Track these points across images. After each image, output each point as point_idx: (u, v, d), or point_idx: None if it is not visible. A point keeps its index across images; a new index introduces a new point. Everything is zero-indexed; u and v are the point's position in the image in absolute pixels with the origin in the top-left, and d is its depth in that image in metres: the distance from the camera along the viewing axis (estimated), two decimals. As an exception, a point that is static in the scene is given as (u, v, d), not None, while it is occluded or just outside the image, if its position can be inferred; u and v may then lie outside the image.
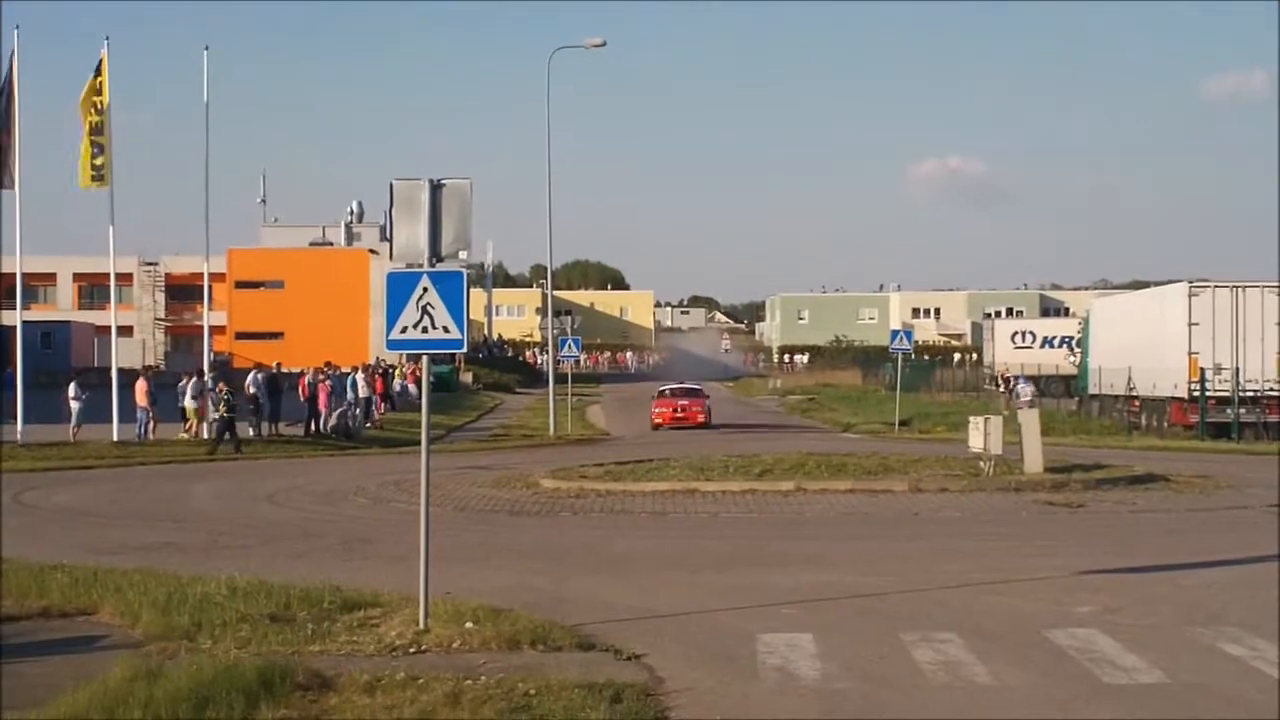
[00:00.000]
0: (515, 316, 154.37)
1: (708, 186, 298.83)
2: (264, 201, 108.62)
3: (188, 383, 46.72)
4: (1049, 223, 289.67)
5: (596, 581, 18.48)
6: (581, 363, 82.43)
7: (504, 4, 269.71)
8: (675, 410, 58.41)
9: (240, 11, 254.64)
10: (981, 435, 31.32)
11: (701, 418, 57.57)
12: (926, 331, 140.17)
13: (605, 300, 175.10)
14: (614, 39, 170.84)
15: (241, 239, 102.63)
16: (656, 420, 58.29)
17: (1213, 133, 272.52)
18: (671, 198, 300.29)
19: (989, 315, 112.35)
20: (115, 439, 42.32)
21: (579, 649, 13.70)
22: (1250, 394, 46.35)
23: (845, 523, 25.58)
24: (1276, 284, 47.03)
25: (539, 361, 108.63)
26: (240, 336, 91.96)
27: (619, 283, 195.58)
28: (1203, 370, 45.94)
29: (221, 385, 42.68)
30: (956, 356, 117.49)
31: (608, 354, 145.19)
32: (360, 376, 54.37)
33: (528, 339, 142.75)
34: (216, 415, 42.39)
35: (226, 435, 42.12)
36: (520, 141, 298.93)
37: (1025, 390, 59.52)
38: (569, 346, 57.23)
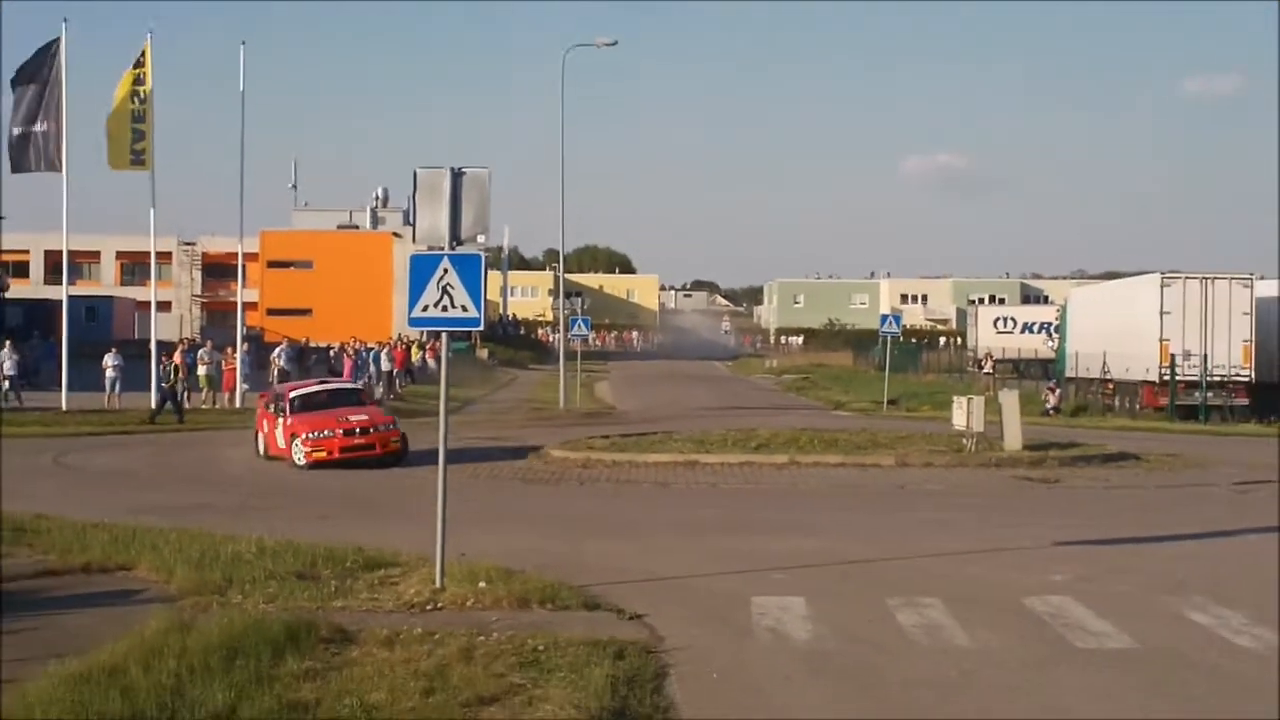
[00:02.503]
0: (529, 297, 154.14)
1: (711, 177, 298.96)
2: (295, 187, 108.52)
3: (200, 352, 46.78)
4: (1031, 215, 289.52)
5: (602, 545, 18.51)
6: (590, 341, 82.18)
7: (521, 2, 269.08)
8: None
9: (276, 10, 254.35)
10: (964, 414, 31.34)
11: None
12: (914, 316, 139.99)
13: (613, 283, 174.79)
14: (625, 36, 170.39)
15: (274, 221, 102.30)
16: None
17: (1190, 130, 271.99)
18: (677, 187, 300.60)
19: (973, 302, 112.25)
20: (153, 406, 42.25)
21: (585, 608, 13.73)
22: (1217, 379, 46.27)
23: (836, 494, 25.59)
24: (1244, 275, 46.98)
25: (551, 340, 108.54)
26: (271, 313, 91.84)
27: (626, 267, 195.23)
28: (1173, 356, 45.84)
29: (167, 357, 42.26)
30: (942, 340, 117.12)
31: (615, 333, 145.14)
32: (384, 352, 54.38)
33: (540, 318, 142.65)
34: (165, 385, 41.75)
35: (167, 405, 41.63)
36: (536, 132, 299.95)
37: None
38: (579, 326, 57.07)
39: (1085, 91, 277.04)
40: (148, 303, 51.19)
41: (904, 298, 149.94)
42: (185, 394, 42.77)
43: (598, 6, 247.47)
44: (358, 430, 29.95)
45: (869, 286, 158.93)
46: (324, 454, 29.46)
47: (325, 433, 29.68)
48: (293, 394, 31.68)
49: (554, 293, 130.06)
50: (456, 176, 14.61)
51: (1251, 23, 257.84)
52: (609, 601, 14.08)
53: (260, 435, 32.19)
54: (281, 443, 30.49)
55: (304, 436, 29.63)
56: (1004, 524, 21.52)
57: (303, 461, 29.51)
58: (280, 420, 30.73)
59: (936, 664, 11.87)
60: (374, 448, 29.91)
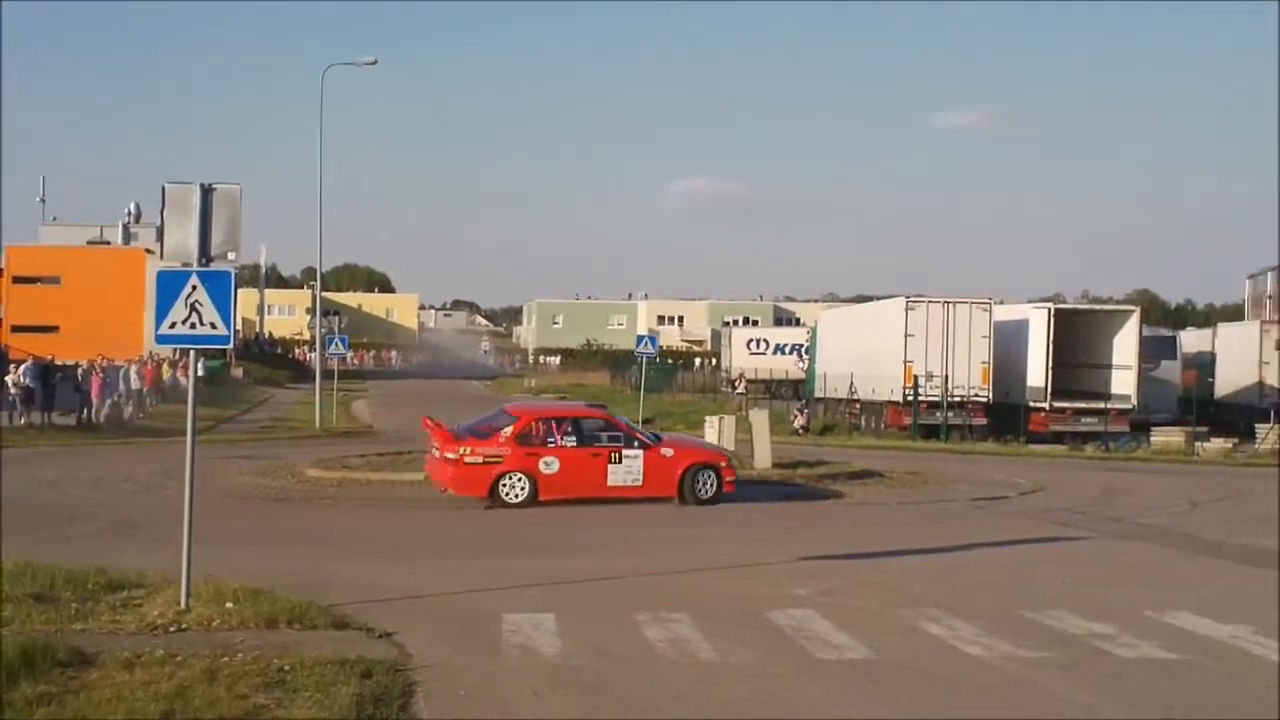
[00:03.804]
0: (287, 315, 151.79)
1: (472, 197, 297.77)
2: (43, 201, 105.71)
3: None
4: (785, 239, 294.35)
5: (354, 565, 18.30)
6: (349, 360, 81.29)
7: (282, 15, 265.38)
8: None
9: (24, 15, 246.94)
10: (716, 433, 31.86)
11: None
12: (671, 338, 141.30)
13: (372, 302, 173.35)
14: (386, 53, 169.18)
15: (21, 237, 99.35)
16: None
17: (936, 160, 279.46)
18: (437, 206, 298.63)
19: (728, 323, 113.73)
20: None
21: (334, 628, 13.55)
22: (958, 399, 47.66)
23: (589, 512, 25.67)
24: (983, 300, 48.45)
25: (308, 359, 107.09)
26: (16, 329, 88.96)
27: (386, 286, 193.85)
28: (916, 377, 47.09)
29: None
30: (697, 361, 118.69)
31: (374, 353, 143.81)
32: (133, 369, 53.08)
33: (298, 337, 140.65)
34: None
35: None
36: (298, 150, 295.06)
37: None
38: (336, 344, 56.39)
39: (837, 121, 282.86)
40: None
41: (661, 319, 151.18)
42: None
43: (360, 24, 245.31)
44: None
45: (627, 307, 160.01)
46: None
47: None
48: None
49: (311, 311, 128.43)
50: (206, 192, 14.36)
51: (998, 63, 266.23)
52: (359, 620, 13.91)
53: None
54: None
55: None
56: (752, 540, 21.86)
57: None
58: None
59: (681, 678, 11.99)
60: None
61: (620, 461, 26.57)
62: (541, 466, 26.03)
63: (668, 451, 27.10)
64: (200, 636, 12.89)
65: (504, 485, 25.85)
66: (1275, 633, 14.43)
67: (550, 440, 26.37)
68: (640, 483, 26.57)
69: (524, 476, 25.95)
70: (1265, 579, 18.71)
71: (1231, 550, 21.78)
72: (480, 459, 25.85)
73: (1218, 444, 46.74)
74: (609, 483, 26.43)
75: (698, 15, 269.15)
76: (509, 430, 26.33)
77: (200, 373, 14.74)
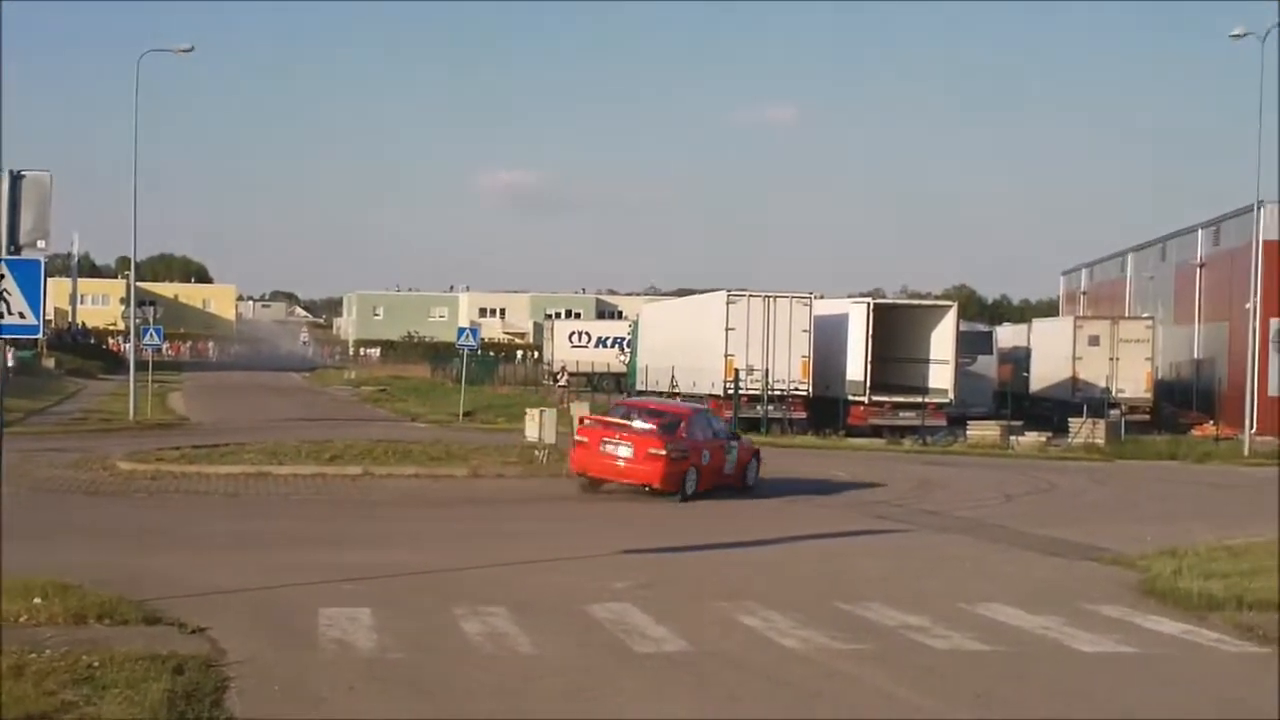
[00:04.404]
0: (101, 305, 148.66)
1: (291, 186, 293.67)
2: None
3: None
4: (607, 232, 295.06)
5: (168, 559, 18.04)
6: (164, 351, 79.91)
7: (98, 2, 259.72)
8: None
9: None
10: (537, 426, 31.85)
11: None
12: (493, 330, 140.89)
13: (189, 293, 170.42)
14: (204, 41, 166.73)
15: None
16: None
17: (741, 156, 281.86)
18: (256, 196, 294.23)
19: (550, 316, 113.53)
20: None
21: (145, 623, 13.32)
22: (778, 393, 48.07)
23: (408, 505, 25.60)
24: (804, 295, 48.90)
25: (122, 349, 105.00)
26: None
27: (203, 276, 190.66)
28: (737, 371, 47.42)
29: None
30: (519, 354, 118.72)
31: (190, 344, 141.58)
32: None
33: (112, 327, 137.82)
34: None
35: None
36: (114, 137, 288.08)
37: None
38: (151, 335, 55.37)
39: (650, 114, 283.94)
40: None
41: (483, 311, 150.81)
42: None
43: (177, 9, 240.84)
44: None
45: (449, 300, 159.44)
46: None
47: None
48: None
49: (126, 301, 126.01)
50: (15, 179, 14.03)
51: (807, 59, 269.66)
52: (171, 615, 13.69)
53: None
54: None
55: None
56: (573, 533, 21.98)
57: None
58: None
59: (498, 671, 12.00)
60: None
61: (730, 453, 29.16)
62: (702, 459, 27.99)
63: (746, 442, 30.81)
64: (7, 632, 12.57)
65: (689, 478, 27.47)
66: (1085, 624, 14.86)
67: (703, 435, 28.67)
68: (733, 471, 29.22)
69: (695, 470, 27.68)
70: (1075, 570, 19.25)
71: (1043, 543, 22.32)
72: (680, 454, 27.20)
73: (1032, 438, 47.86)
74: (725, 471, 28.88)
75: (506, 9, 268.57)
76: (682, 425, 28.00)
77: (10, 364, 14.43)
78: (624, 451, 26.91)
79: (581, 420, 29.82)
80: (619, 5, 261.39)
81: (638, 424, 27.74)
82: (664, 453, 26.60)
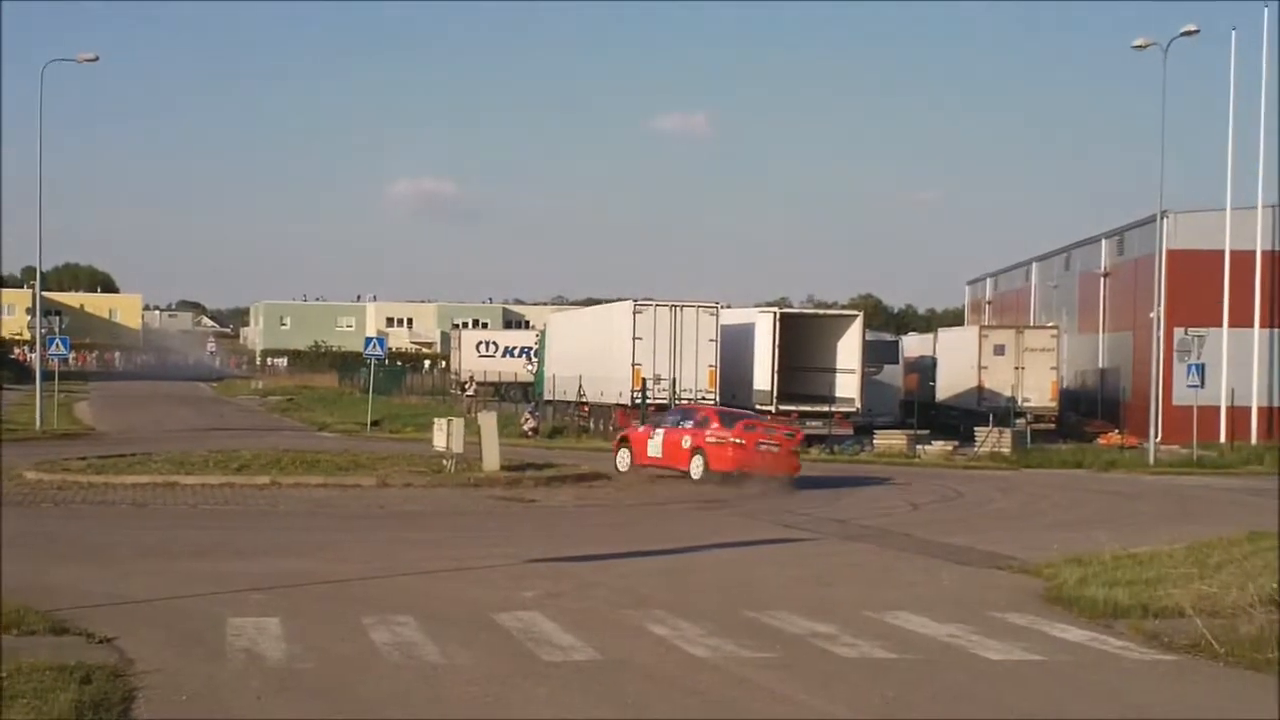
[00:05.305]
0: (6, 315, 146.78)
1: (197, 196, 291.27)
2: None
3: None
4: (513, 242, 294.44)
5: (75, 570, 17.89)
6: (70, 361, 79.00)
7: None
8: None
9: None
10: (445, 435, 31.84)
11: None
12: (400, 340, 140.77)
13: (95, 302, 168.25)
14: (109, 50, 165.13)
15: None
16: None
17: (657, 163, 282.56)
18: (162, 206, 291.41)
19: (457, 326, 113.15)
20: None
21: (52, 633, 13.22)
22: (685, 401, 48.23)
23: (316, 514, 25.52)
24: (711, 304, 49.12)
25: (28, 359, 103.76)
26: None
27: (110, 286, 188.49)
28: (644, 380, 47.53)
29: None
30: (427, 363, 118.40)
31: (97, 353, 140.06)
32: None
33: (17, 337, 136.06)
34: None
35: None
36: (19, 146, 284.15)
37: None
38: (57, 345, 54.82)
39: (557, 123, 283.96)
40: None
41: (390, 321, 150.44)
42: None
43: (80, 20, 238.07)
44: None
45: (356, 309, 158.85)
46: None
47: None
48: None
49: (31, 311, 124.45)
50: (-84, 186, 13.92)
51: (716, 68, 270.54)
52: (79, 625, 13.60)
53: None
54: None
55: None
56: (481, 542, 21.96)
57: None
58: None
59: (407, 680, 12.01)
60: None
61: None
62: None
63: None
64: (-94, 646, 12.48)
65: None
66: (992, 632, 15.03)
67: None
68: None
69: None
70: (982, 578, 19.45)
71: (950, 551, 22.53)
72: (772, 444, 33.56)
73: (938, 446, 48.37)
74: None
75: (412, 15, 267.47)
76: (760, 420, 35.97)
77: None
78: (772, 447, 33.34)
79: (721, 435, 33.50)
80: (529, 8, 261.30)
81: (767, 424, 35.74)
82: (767, 445, 33.38)
